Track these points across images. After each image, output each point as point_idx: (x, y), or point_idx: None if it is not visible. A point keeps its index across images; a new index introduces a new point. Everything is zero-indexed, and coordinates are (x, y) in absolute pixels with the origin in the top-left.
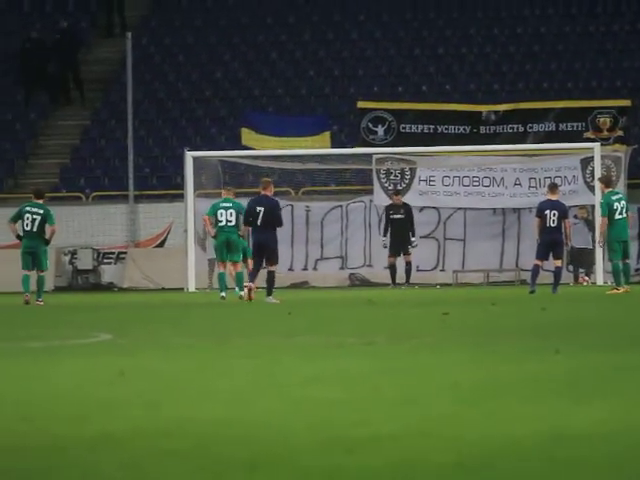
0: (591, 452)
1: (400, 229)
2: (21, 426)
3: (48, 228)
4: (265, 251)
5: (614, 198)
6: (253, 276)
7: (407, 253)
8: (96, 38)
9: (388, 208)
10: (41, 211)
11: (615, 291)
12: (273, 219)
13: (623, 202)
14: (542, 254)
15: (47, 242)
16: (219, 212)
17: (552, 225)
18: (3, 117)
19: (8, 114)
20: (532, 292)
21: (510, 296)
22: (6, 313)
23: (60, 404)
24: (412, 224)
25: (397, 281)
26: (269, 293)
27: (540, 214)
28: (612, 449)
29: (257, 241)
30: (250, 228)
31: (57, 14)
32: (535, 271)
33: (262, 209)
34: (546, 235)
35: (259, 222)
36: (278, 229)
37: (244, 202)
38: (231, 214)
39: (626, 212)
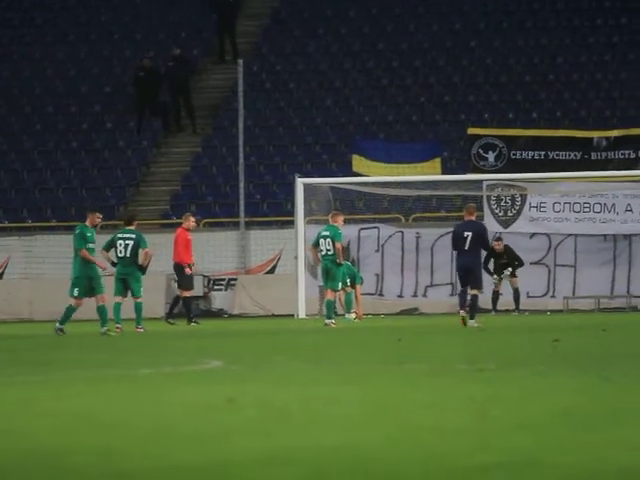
0: None
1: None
2: (133, 451)
3: (142, 252)
4: (470, 275)
5: None
6: (462, 299)
7: (514, 277)
8: (208, 65)
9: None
10: (133, 236)
11: None
12: (481, 243)
13: None
14: None
15: (141, 268)
16: (320, 241)
17: None
18: (115, 144)
19: (120, 141)
20: None
21: (621, 322)
22: (115, 341)
23: (171, 431)
24: (518, 264)
25: (500, 307)
26: (472, 317)
27: None
28: None
29: (460, 264)
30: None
31: (170, 41)
32: None
33: (470, 234)
34: None
35: (467, 246)
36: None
37: (353, 228)
38: (329, 243)
39: None
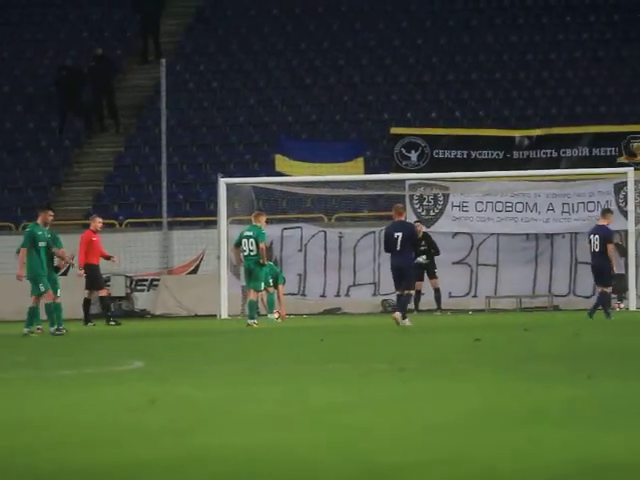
0: None
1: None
2: (54, 452)
3: (57, 252)
4: (403, 275)
5: None
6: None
7: (434, 277)
8: (131, 65)
9: None
10: (49, 236)
11: None
12: (411, 244)
13: None
14: (594, 280)
15: (57, 269)
16: (243, 241)
17: (595, 250)
18: (38, 144)
19: (42, 141)
20: (608, 319)
21: (543, 322)
22: (35, 342)
23: (92, 431)
24: (434, 252)
25: (422, 307)
26: (404, 317)
27: (587, 239)
28: None
29: (394, 265)
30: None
31: (92, 41)
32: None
33: (400, 234)
34: (591, 260)
35: (398, 247)
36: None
37: (276, 228)
38: (252, 243)
39: None
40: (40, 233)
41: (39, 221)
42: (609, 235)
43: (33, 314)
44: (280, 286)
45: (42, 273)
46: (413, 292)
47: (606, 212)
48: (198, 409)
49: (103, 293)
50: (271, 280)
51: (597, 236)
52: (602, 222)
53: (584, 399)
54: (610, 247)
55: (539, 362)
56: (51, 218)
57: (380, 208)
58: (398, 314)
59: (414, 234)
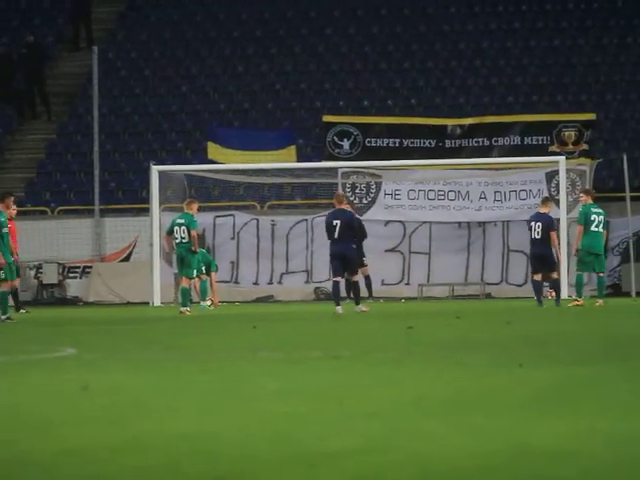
0: (555, 469)
1: None
2: None
3: None
4: (345, 262)
5: (593, 210)
6: (336, 289)
7: (363, 266)
8: (62, 52)
9: None
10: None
11: (576, 303)
12: (351, 230)
13: (602, 217)
14: (534, 268)
15: None
16: (175, 229)
17: (537, 237)
18: None
19: None
20: (540, 306)
21: (475, 310)
22: None
23: (24, 418)
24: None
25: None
26: (357, 302)
27: (528, 227)
28: (577, 465)
29: (335, 252)
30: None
31: (23, 28)
32: (536, 286)
33: (338, 222)
34: (533, 248)
35: (336, 235)
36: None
37: (209, 216)
38: (184, 231)
39: (604, 227)
40: (3, 220)
41: (2, 207)
42: (551, 223)
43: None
44: (212, 274)
45: (9, 261)
46: (358, 278)
47: (546, 200)
48: (131, 397)
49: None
50: (204, 268)
51: (539, 223)
52: (543, 210)
53: (515, 387)
54: (553, 235)
55: (471, 350)
56: (14, 207)
57: (312, 196)
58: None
59: (353, 221)
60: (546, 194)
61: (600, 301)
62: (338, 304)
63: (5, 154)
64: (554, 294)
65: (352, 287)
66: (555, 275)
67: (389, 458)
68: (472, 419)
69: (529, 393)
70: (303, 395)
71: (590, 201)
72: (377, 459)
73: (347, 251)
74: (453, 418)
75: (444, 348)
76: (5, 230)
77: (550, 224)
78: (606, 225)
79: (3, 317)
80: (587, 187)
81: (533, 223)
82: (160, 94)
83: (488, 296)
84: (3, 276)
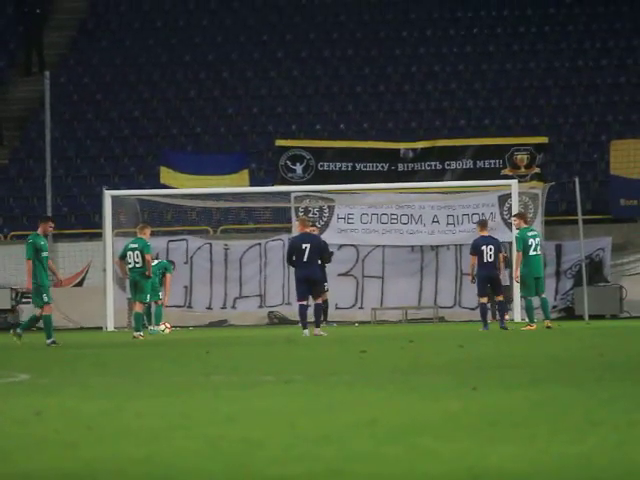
0: None
1: None
2: None
3: None
4: (313, 286)
5: (529, 234)
6: (304, 311)
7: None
8: (14, 77)
9: None
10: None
11: (529, 327)
12: (320, 254)
13: (538, 239)
14: (483, 290)
15: None
16: (128, 253)
17: (489, 260)
18: None
19: None
20: (486, 330)
21: (428, 333)
22: None
23: None
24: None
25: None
26: (318, 325)
27: (476, 251)
28: None
29: (304, 276)
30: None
31: None
32: (482, 309)
33: (308, 245)
34: (484, 271)
35: (305, 258)
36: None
37: (162, 240)
38: (137, 255)
39: (540, 249)
40: (42, 243)
41: (39, 231)
42: (500, 246)
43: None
44: (168, 275)
45: (47, 284)
46: (320, 302)
47: (484, 222)
48: (85, 421)
49: None
50: (163, 272)
51: (491, 246)
52: (485, 232)
53: (469, 411)
54: (502, 257)
55: (424, 374)
56: (51, 229)
57: (265, 220)
58: (307, 331)
59: (321, 245)
60: (498, 218)
61: (548, 322)
62: (305, 327)
63: None
64: (507, 317)
65: (315, 310)
66: (501, 298)
67: None
68: (426, 443)
69: (483, 416)
70: (256, 420)
71: (524, 225)
72: None
73: (315, 275)
74: (407, 442)
75: (397, 372)
76: (44, 254)
77: (499, 247)
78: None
79: (48, 341)
80: (520, 210)
81: (485, 246)
82: (112, 118)
83: (441, 320)
84: (46, 299)
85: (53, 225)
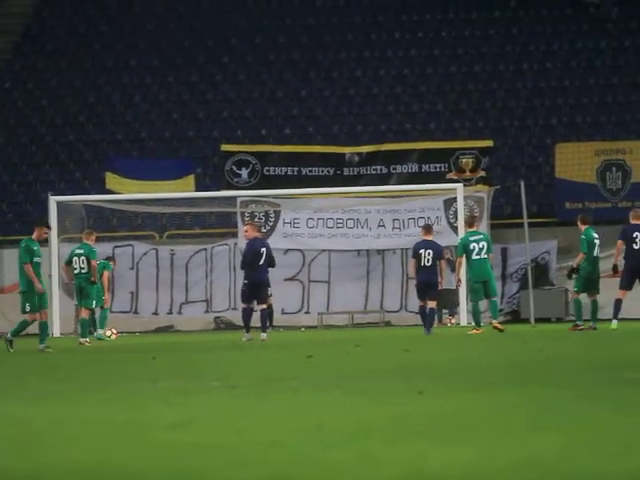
0: None
1: None
2: None
3: None
4: (261, 290)
5: (472, 239)
6: (248, 315)
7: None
8: None
9: None
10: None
11: (475, 331)
12: (270, 260)
13: (483, 243)
14: (421, 295)
15: None
16: (74, 259)
17: (427, 264)
18: None
19: None
20: (428, 333)
21: (374, 338)
22: None
23: None
24: None
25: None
26: (264, 330)
27: (415, 254)
28: None
29: (256, 280)
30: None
31: None
32: (422, 312)
33: (265, 250)
34: (421, 275)
35: (261, 262)
36: None
37: (108, 246)
38: (83, 261)
39: (487, 253)
40: (36, 248)
41: (34, 236)
42: (441, 251)
43: (44, 328)
44: (106, 272)
45: (29, 290)
46: (265, 307)
47: (429, 227)
48: (31, 428)
49: None
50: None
51: (429, 251)
52: (429, 237)
53: (415, 415)
54: (442, 263)
55: (370, 378)
56: (46, 235)
57: (211, 225)
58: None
59: (271, 251)
60: (444, 221)
61: (495, 321)
62: (248, 331)
63: None
64: (454, 321)
65: (262, 315)
66: (434, 304)
67: None
68: (372, 447)
69: (429, 420)
70: (203, 425)
71: (468, 229)
72: None
73: (265, 280)
74: (354, 446)
75: (344, 376)
76: (37, 260)
77: (439, 252)
78: (491, 247)
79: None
80: (466, 214)
81: (423, 250)
82: (57, 124)
83: (388, 324)
84: (28, 309)
85: (48, 231)
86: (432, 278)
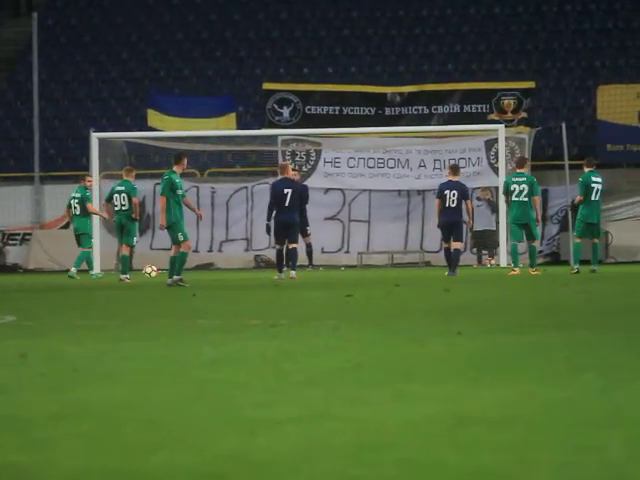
0: (493, 436)
1: None
2: None
3: None
4: (290, 230)
5: (514, 180)
6: (281, 255)
7: (306, 235)
8: (2, 18)
9: None
10: None
11: (513, 272)
12: (301, 200)
13: (524, 185)
14: (446, 235)
15: None
16: (114, 196)
17: (451, 206)
18: None
19: None
20: (450, 275)
21: (414, 278)
22: None
23: None
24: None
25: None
26: (293, 268)
27: (440, 195)
28: (515, 432)
29: (284, 220)
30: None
31: None
32: (447, 254)
33: (290, 191)
34: (445, 216)
35: (287, 203)
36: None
37: (149, 183)
38: (124, 198)
39: (527, 196)
40: (178, 181)
41: (176, 169)
42: (466, 191)
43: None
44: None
45: (182, 222)
46: (297, 246)
47: (455, 167)
48: (71, 364)
49: None
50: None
51: (454, 192)
52: (454, 177)
53: (454, 355)
54: (468, 203)
55: (409, 318)
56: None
57: (252, 164)
58: (282, 275)
59: (302, 191)
60: (485, 162)
61: (533, 270)
62: (281, 271)
63: None
64: (493, 262)
65: (291, 254)
66: (459, 245)
67: (328, 425)
68: (410, 387)
69: (467, 361)
70: (242, 363)
71: (519, 170)
72: (316, 426)
73: (294, 220)
74: (391, 386)
75: (383, 316)
76: (180, 192)
77: (464, 192)
78: (535, 190)
79: (176, 278)
80: (521, 156)
81: (448, 191)
82: (100, 61)
83: (427, 264)
84: (182, 238)
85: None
86: (456, 219)
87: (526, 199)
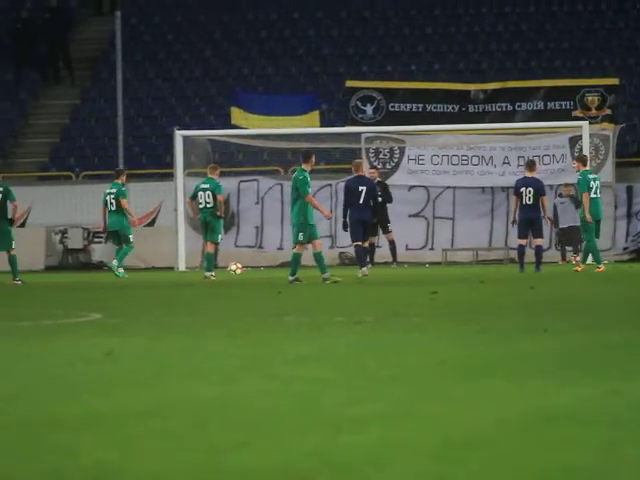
0: (580, 434)
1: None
2: (12, 406)
3: (11, 205)
4: (366, 227)
5: (590, 177)
6: (361, 251)
7: (388, 232)
8: (85, 17)
9: None
10: (0, 189)
11: (598, 269)
12: (372, 199)
13: (598, 182)
14: (522, 233)
15: (11, 221)
16: (199, 194)
17: (528, 203)
18: None
19: None
20: (522, 272)
21: (499, 275)
22: None
23: (48, 383)
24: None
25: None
26: (362, 266)
27: (517, 192)
28: (602, 430)
29: (359, 218)
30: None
31: None
32: (520, 251)
33: (365, 188)
34: (523, 213)
35: (362, 200)
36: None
37: (233, 181)
38: (208, 195)
39: (600, 193)
40: (309, 180)
41: (305, 167)
42: (542, 187)
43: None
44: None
45: (313, 222)
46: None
47: (533, 164)
48: (156, 361)
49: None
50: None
51: (530, 188)
52: (530, 174)
53: (540, 352)
54: (544, 199)
55: (495, 315)
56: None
57: (336, 161)
58: (365, 269)
59: (375, 189)
60: (569, 159)
61: (580, 266)
62: (363, 267)
63: (30, 119)
64: (578, 258)
65: (358, 251)
66: (540, 242)
67: (412, 422)
68: (496, 384)
69: (553, 358)
70: (327, 360)
71: (583, 168)
72: (400, 423)
73: (369, 217)
74: (477, 383)
75: (468, 313)
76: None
77: (541, 189)
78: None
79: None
80: (583, 154)
81: (524, 188)
82: (184, 59)
83: (512, 261)
84: (301, 238)
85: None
86: (534, 215)
87: (599, 196)
